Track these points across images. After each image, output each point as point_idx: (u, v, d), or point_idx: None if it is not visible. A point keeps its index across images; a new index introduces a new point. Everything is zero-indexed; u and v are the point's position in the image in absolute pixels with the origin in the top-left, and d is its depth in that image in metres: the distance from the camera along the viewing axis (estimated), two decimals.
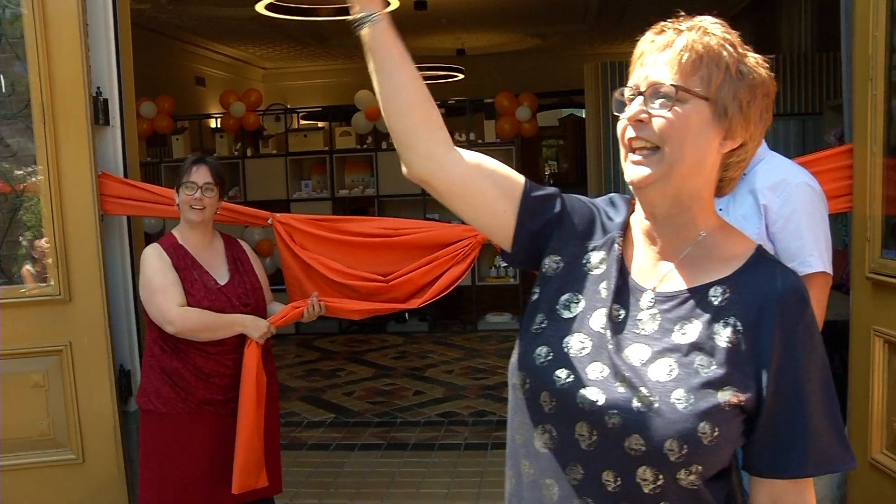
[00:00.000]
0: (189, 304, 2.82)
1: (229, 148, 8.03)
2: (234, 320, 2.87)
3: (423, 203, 7.81)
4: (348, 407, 5.54)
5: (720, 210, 2.41)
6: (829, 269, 2.36)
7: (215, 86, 12.06)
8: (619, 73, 7.89)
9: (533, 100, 7.64)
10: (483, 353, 6.90)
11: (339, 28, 10.94)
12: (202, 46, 12.36)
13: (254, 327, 2.88)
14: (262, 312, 3.00)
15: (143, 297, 2.91)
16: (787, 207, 2.35)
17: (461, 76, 13.32)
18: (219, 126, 8.06)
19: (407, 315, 8.16)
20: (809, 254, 2.32)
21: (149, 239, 8.10)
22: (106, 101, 3.55)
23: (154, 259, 2.88)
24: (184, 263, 2.89)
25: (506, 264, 7.70)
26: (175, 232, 2.99)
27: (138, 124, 7.67)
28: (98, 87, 3.52)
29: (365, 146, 7.98)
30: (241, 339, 2.90)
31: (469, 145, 7.64)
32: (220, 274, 2.96)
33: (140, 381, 3.00)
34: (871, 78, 3.01)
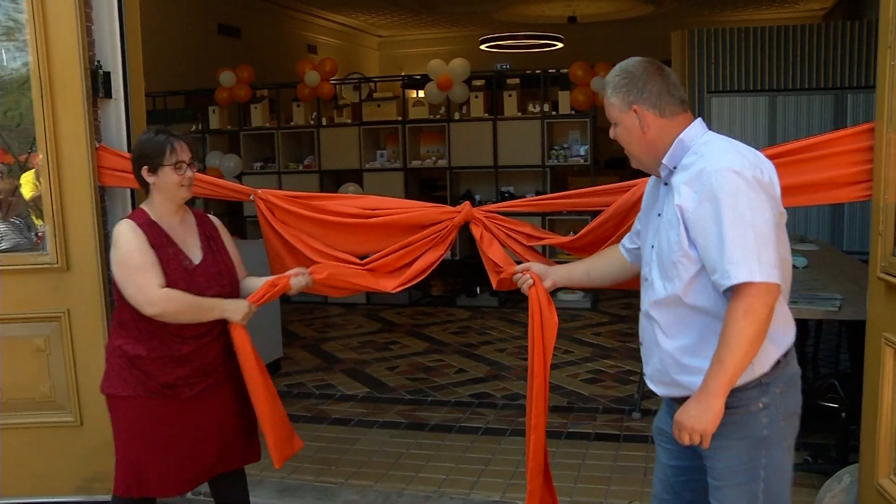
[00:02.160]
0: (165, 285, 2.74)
1: (305, 117, 8.10)
2: (214, 304, 2.79)
3: (495, 175, 7.62)
4: (385, 382, 5.51)
5: (658, 215, 2.10)
6: (764, 277, 1.83)
7: (328, 53, 12.25)
8: (708, 40, 7.35)
9: (609, 70, 7.21)
10: None
11: None
12: (314, 14, 12.58)
13: (234, 310, 2.82)
14: (235, 293, 2.93)
15: (118, 276, 2.74)
16: (703, 205, 1.90)
17: (560, 45, 12.88)
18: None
19: (479, 289, 8.04)
20: (730, 261, 1.84)
21: (229, 206, 8.35)
22: (108, 74, 3.60)
23: (131, 235, 2.75)
24: (159, 241, 2.78)
25: None
26: (146, 207, 2.86)
27: (217, 93, 7.98)
28: (98, 61, 3.58)
29: (438, 116, 7.84)
30: (212, 324, 2.82)
31: (543, 117, 7.40)
32: (195, 253, 2.86)
33: (105, 368, 2.88)
34: (891, 45, 2.59)
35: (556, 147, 7.58)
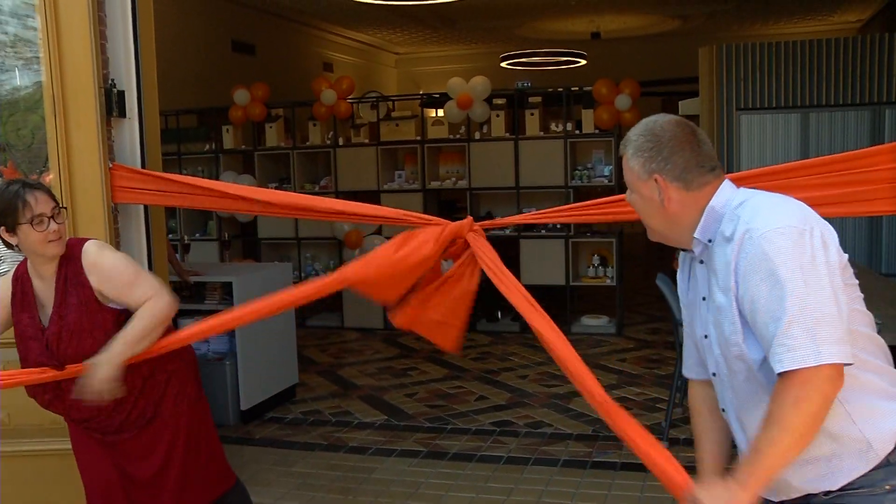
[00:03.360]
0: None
1: (322, 136, 8.01)
2: None
3: (516, 196, 7.49)
4: (404, 409, 5.36)
5: (703, 299, 1.81)
6: (821, 359, 1.53)
7: (344, 71, 12.20)
8: (737, 55, 7.21)
9: (634, 87, 7.10)
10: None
11: (467, 11, 10.78)
12: (330, 31, 12.57)
13: None
14: (93, 348, 2.51)
15: None
16: (750, 277, 1.62)
17: (583, 62, 12.79)
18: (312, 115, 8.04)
19: (500, 313, 7.88)
20: (781, 342, 1.56)
21: (243, 228, 8.27)
22: (122, 92, 3.52)
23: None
24: (22, 302, 2.59)
25: (601, 263, 7.31)
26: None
27: (231, 112, 7.92)
28: (112, 79, 3.50)
29: (458, 136, 7.73)
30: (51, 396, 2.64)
31: (566, 136, 7.27)
32: (48, 314, 2.57)
33: None
34: None
35: (579, 167, 7.44)
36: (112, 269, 2.56)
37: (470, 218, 2.87)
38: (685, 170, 1.73)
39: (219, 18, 9.86)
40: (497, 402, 5.47)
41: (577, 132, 7.37)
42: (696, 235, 1.76)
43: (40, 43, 3.34)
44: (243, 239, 8.49)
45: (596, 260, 7.50)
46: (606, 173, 7.43)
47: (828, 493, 1.72)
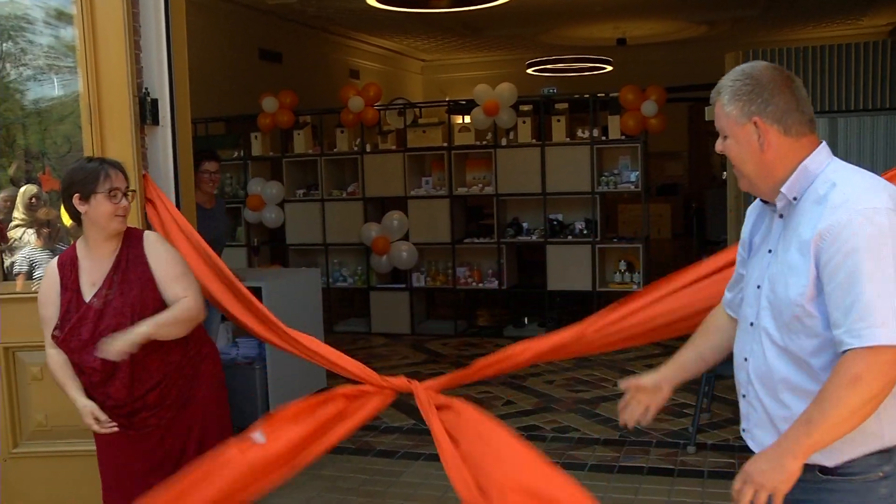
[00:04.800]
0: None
1: (349, 143, 8.08)
2: (73, 393, 2.72)
3: (543, 202, 7.50)
4: None
5: (769, 251, 1.84)
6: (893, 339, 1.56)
7: (370, 78, 12.30)
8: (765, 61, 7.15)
9: (661, 94, 7.08)
10: (592, 364, 6.51)
11: (493, 19, 10.82)
12: (355, 39, 12.67)
13: (81, 409, 2.68)
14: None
15: None
16: (837, 249, 1.62)
17: (609, 68, 12.77)
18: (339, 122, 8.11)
19: (526, 319, 7.90)
20: (861, 317, 1.57)
21: (272, 234, 8.36)
22: (155, 101, 3.60)
23: (46, 281, 2.77)
24: (69, 284, 2.74)
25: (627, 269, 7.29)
26: (80, 241, 2.81)
27: (259, 119, 8.02)
28: (146, 88, 3.58)
29: (484, 142, 7.76)
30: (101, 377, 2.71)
31: (592, 142, 7.27)
32: (91, 291, 2.73)
33: None
34: None
35: (605, 173, 7.44)
36: (165, 259, 2.76)
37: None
38: (786, 112, 1.74)
39: (246, 28, 9.99)
40: (524, 407, 5.49)
41: (604, 138, 7.37)
42: (783, 190, 1.77)
43: (77, 53, 3.42)
44: (272, 245, 8.58)
45: (623, 266, 7.49)
46: (633, 179, 7.42)
47: (824, 470, 1.75)
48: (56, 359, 2.73)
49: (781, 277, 1.75)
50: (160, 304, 2.71)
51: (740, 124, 1.77)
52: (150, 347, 2.66)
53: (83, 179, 2.66)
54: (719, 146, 1.86)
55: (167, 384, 2.77)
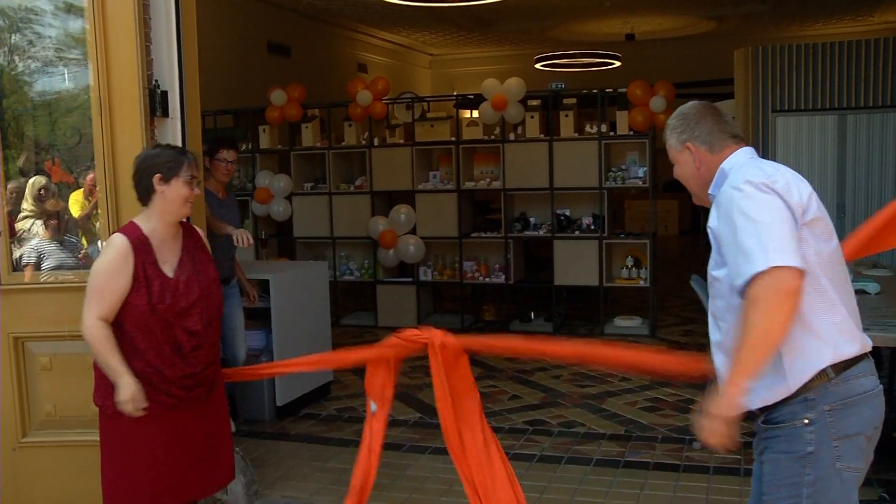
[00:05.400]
0: (143, 303, 2.72)
1: (357, 137, 8.09)
2: (117, 370, 2.68)
3: (550, 197, 7.49)
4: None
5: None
6: (769, 263, 1.85)
7: (378, 72, 12.30)
8: (773, 57, 7.15)
9: (669, 89, 7.06)
10: None
11: (501, 13, 10.81)
12: (363, 32, 12.68)
13: (122, 390, 2.66)
14: (217, 311, 2.95)
15: (88, 282, 2.78)
16: (722, 221, 2.01)
17: (618, 63, 12.73)
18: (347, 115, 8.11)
19: (533, 314, 7.90)
20: (738, 262, 1.92)
21: (279, 227, 8.40)
22: (165, 93, 3.61)
23: (117, 254, 2.74)
24: (145, 259, 2.77)
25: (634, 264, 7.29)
26: (139, 221, 2.84)
27: (267, 112, 8.03)
28: (156, 80, 3.59)
29: (492, 137, 7.75)
30: (196, 343, 2.81)
31: (600, 138, 7.25)
32: (171, 269, 2.84)
33: (94, 379, 2.91)
34: None
35: (613, 169, 7.43)
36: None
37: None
38: (710, 133, 2.15)
39: (254, 21, 9.99)
40: (530, 402, 5.49)
41: (612, 134, 7.35)
42: (710, 191, 2.17)
43: (88, 45, 3.43)
44: (279, 238, 8.60)
45: (630, 261, 7.48)
46: (641, 175, 7.40)
47: (766, 420, 2.05)
48: (103, 331, 2.70)
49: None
50: (219, 288, 2.96)
51: (679, 151, 2.21)
52: (214, 325, 2.87)
53: (168, 162, 2.77)
54: (675, 174, 2.26)
55: (217, 363, 2.97)
